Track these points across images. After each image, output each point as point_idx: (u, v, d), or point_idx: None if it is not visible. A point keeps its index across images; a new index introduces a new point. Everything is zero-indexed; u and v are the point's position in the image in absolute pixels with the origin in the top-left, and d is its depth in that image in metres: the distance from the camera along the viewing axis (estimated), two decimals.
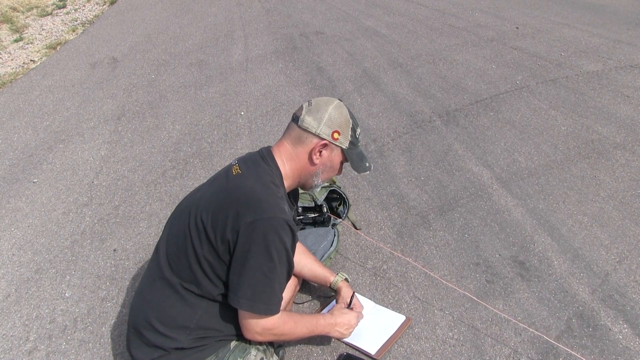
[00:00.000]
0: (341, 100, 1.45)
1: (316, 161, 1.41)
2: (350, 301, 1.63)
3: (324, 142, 1.39)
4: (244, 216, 1.25)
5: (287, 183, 1.43)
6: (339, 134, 1.40)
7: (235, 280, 1.29)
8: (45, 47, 6.11)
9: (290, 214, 1.40)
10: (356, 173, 1.55)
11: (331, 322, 1.52)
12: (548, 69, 3.88)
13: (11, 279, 2.16)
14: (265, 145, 1.47)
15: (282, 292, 1.34)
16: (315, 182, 1.48)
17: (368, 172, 1.49)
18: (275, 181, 1.36)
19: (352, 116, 1.45)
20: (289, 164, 1.42)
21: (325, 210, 2.19)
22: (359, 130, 1.48)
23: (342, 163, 1.49)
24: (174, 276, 1.36)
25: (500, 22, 5.29)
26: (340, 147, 1.43)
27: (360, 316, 1.62)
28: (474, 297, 1.80)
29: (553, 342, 1.61)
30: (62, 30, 6.95)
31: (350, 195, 2.48)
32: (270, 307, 1.30)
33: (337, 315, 1.55)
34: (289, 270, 1.34)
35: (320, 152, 1.40)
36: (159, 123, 3.56)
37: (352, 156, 1.46)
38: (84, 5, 8.71)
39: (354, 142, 1.45)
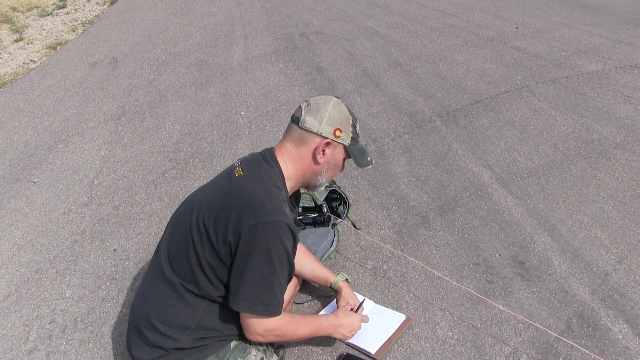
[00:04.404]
0: (338, 98, 1.46)
1: (320, 160, 1.41)
2: (358, 308, 1.63)
3: (327, 140, 1.40)
4: (246, 219, 1.25)
5: (290, 184, 1.43)
6: (341, 131, 1.41)
7: (236, 283, 1.29)
8: (45, 47, 6.11)
9: (292, 217, 1.40)
10: (357, 172, 1.55)
11: (335, 323, 1.52)
12: (548, 69, 3.88)
13: (11, 279, 2.16)
14: (266, 146, 1.48)
15: (283, 295, 1.34)
16: (320, 181, 1.48)
17: (370, 166, 1.50)
18: (278, 184, 1.36)
19: (350, 112, 1.45)
20: (292, 165, 1.42)
21: (325, 210, 2.20)
22: (358, 126, 1.49)
23: (344, 160, 1.49)
24: (175, 276, 1.36)
25: (500, 22, 5.29)
26: (343, 144, 1.44)
27: (364, 319, 1.62)
28: (475, 293, 1.80)
29: (557, 335, 1.61)
30: (62, 30, 6.95)
31: (350, 195, 2.48)
32: (270, 308, 1.30)
33: (342, 317, 1.55)
34: (290, 273, 1.35)
35: (324, 150, 1.41)
36: (159, 123, 3.56)
37: (354, 152, 1.47)
38: (84, 5, 8.71)
39: (355, 138, 1.46)
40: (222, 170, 1.52)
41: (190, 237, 1.34)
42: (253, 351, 1.42)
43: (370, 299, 1.83)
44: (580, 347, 1.58)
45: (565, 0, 6.13)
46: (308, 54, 4.74)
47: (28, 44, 6.47)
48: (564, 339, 1.62)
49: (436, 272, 1.93)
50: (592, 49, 4.26)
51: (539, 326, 1.67)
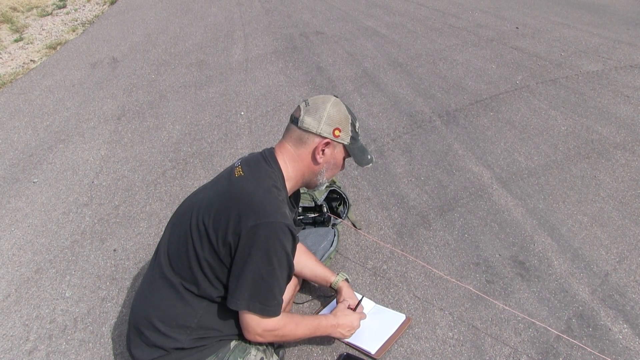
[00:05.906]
0: (337, 97, 1.45)
1: (320, 160, 1.41)
2: (357, 307, 1.63)
3: (326, 140, 1.39)
4: (246, 220, 1.25)
5: (290, 184, 1.43)
6: (340, 130, 1.40)
7: (234, 283, 1.29)
8: (45, 47, 6.11)
9: (291, 217, 1.40)
10: (357, 172, 1.55)
11: (334, 323, 1.52)
12: (548, 69, 3.88)
13: (11, 279, 2.16)
14: (266, 146, 1.47)
15: (282, 295, 1.34)
16: (320, 181, 1.48)
17: (370, 164, 1.50)
18: (277, 184, 1.36)
19: (349, 111, 1.45)
20: (291, 165, 1.42)
21: (325, 210, 2.19)
22: (357, 124, 1.48)
23: (344, 159, 1.49)
24: (175, 276, 1.36)
25: (500, 22, 5.29)
26: (342, 143, 1.43)
27: (363, 317, 1.62)
28: (476, 291, 1.79)
29: (558, 333, 1.61)
30: (62, 30, 6.95)
31: (350, 195, 2.48)
32: (268, 308, 1.30)
33: (340, 316, 1.55)
34: (289, 274, 1.35)
35: (323, 150, 1.40)
36: (159, 123, 3.56)
37: (354, 151, 1.46)
38: (84, 5, 8.71)
39: (354, 137, 1.45)
40: (222, 170, 1.52)
41: (190, 237, 1.34)
42: (253, 351, 1.42)
43: (370, 298, 1.83)
44: (581, 345, 1.58)
45: (565, 0, 6.13)
46: (308, 54, 4.74)
47: (28, 44, 6.47)
48: (565, 336, 1.62)
49: (437, 271, 1.93)
50: (592, 49, 4.26)
51: (539, 323, 1.67)
